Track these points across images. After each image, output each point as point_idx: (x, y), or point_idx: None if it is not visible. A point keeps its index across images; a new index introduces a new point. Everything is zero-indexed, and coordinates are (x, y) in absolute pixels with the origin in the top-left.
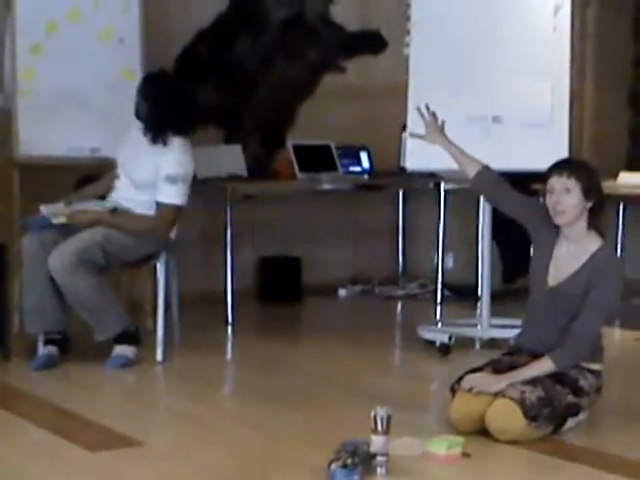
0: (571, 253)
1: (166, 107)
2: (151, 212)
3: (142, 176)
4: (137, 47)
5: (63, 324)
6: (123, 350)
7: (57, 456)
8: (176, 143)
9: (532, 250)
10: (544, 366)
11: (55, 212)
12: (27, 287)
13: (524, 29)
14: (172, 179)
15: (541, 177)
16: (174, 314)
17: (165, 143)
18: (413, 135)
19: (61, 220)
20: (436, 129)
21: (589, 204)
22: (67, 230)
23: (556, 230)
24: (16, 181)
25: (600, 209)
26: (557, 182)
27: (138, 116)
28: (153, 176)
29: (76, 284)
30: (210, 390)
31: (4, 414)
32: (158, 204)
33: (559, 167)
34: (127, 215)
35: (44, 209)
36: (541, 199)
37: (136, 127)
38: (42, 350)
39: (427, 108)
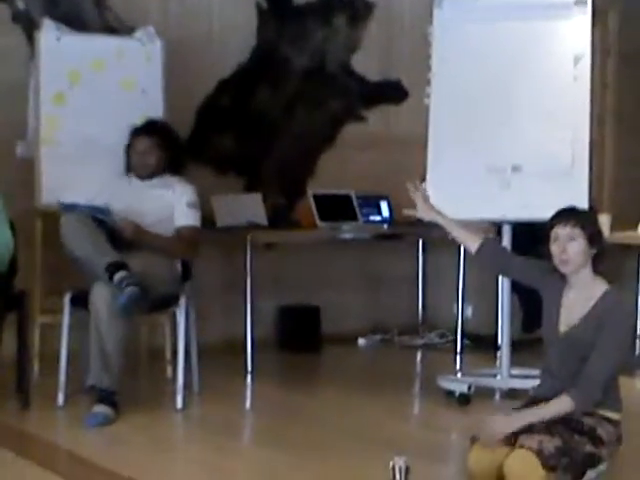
0: (579, 299)
1: (181, 150)
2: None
3: (156, 213)
4: (159, 97)
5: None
6: (104, 409)
7: None
8: (178, 178)
9: (543, 304)
10: (562, 404)
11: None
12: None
13: (544, 79)
14: (193, 204)
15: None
16: (193, 362)
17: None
18: (407, 213)
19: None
20: (429, 206)
21: (593, 251)
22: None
23: (563, 279)
24: (38, 229)
25: (603, 255)
26: (562, 231)
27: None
28: (167, 211)
29: (116, 326)
30: (229, 439)
31: (23, 462)
32: (183, 227)
33: (563, 216)
34: (159, 235)
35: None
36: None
37: (124, 178)
38: (97, 408)
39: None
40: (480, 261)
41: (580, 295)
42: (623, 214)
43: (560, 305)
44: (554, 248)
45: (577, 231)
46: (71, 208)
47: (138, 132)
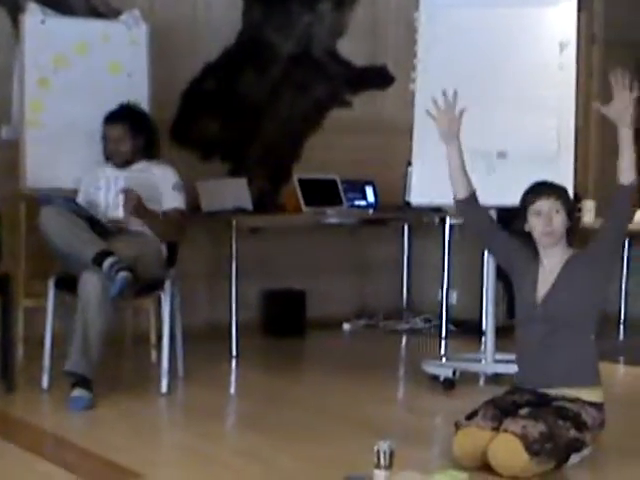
0: (553, 270)
1: (154, 133)
2: None
3: (143, 197)
4: (144, 81)
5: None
6: (83, 393)
7: None
8: (156, 161)
9: (518, 282)
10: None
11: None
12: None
13: (530, 66)
14: (178, 187)
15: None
16: (178, 346)
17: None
18: (428, 114)
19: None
20: (452, 118)
21: (569, 224)
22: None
23: (537, 257)
24: (22, 212)
25: (576, 229)
26: (545, 204)
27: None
28: (154, 194)
29: (103, 314)
30: (213, 423)
31: (8, 446)
32: (170, 210)
33: (545, 190)
34: (155, 212)
35: None
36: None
37: (103, 167)
38: (77, 392)
39: (454, 94)
40: (463, 212)
41: (554, 267)
42: (608, 200)
43: (537, 280)
44: (536, 221)
45: (559, 204)
46: (46, 200)
47: (108, 120)
